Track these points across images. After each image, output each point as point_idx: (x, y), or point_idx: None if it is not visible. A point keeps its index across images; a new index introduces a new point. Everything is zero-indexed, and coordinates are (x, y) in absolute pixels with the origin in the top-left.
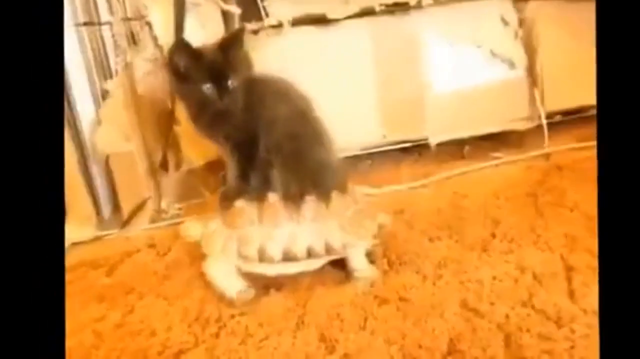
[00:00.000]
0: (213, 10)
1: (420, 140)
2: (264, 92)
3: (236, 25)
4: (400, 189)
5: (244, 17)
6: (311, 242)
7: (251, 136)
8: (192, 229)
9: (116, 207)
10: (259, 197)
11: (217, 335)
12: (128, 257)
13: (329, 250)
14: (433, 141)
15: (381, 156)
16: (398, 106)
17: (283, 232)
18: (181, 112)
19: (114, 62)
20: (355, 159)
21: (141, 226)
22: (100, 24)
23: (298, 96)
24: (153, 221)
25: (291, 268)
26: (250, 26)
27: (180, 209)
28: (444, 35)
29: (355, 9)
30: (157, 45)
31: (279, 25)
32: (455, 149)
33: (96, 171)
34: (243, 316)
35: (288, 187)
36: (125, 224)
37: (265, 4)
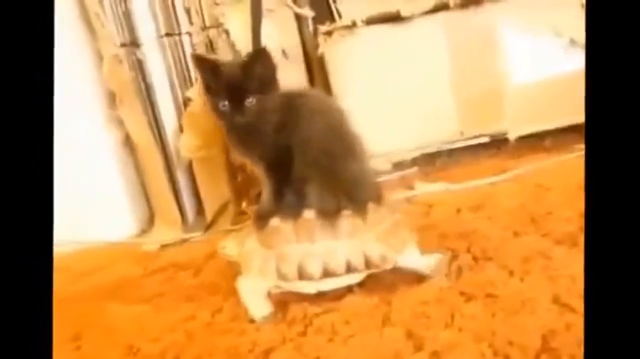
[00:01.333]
0: (287, 14)
1: (499, 134)
2: (298, 110)
3: (310, 27)
4: (480, 184)
5: (317, 19)
6: (349, 256)
7: (285, 154)
8: (229, 248)
9: (200, 210)
10: (294, 214)
11: (303, 333)
12: (212, 259)
13: (368, 263)
14: (512, 135)
15: (459, 152)
16: (475, 101)
17: (321, 249)
18: None
19: (194, 70)
20: (433, 155)
21: (223, 228)
22: (180, 34)
23: (333, 110)
24: (235, 223)
25: (331, 284)
26: (324, 28)
27: None
28: (521, 26)
29: (428, 4)
30: (235, 52)
31: (353, 26)
32: (535, 141)
33: (180, 176)
34: (328, 314)
35: (324, 203)
36: (208, 226)
37: (338, 5)
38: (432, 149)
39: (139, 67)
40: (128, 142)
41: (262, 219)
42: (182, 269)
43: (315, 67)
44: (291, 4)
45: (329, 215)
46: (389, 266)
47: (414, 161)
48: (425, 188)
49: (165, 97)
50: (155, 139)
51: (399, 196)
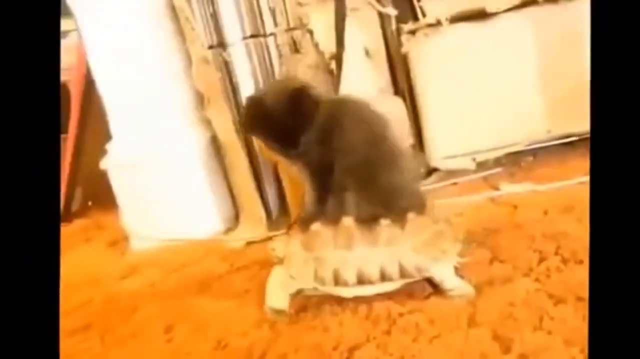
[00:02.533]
0: (370, 13)
1: (588, 133)
2: (340, 118)
3: (393, 27)
4: (568, 184)
5: (400, 18)
6: (384, 265)
7: (327, 161)
8: (278, 249)
9: (284, 208)
10: (335, 221)
11: (388, 332)
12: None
13: (402, 273)
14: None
15: (545, 151)
16: (563, 99)
17: (356, 256)
18: None
19: (279, 70)
20: (518, 155)
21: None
22: (265, 35)
23: (375, 119)
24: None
25: (367, 291)
26: (407, 27)
27: None
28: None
29: (515, 0)
30: (319, 52)
31: (437, 24)
32: None
33: (266, 175)
34: (413, 313)
35: (361, 211)
36: (292, 225)
37: (422, 3)
38: (517, 149)
39: (226, 68)
40: (215, 142)
41: (305, 223)
42: (266, 267)
43: (398, 67)
44: (374, 3)
45: (368, 222)
46: (425, 275)
47: (499, 161)
48: (510, 188)
49: None
50: (241, 138)
51: (482, 196)
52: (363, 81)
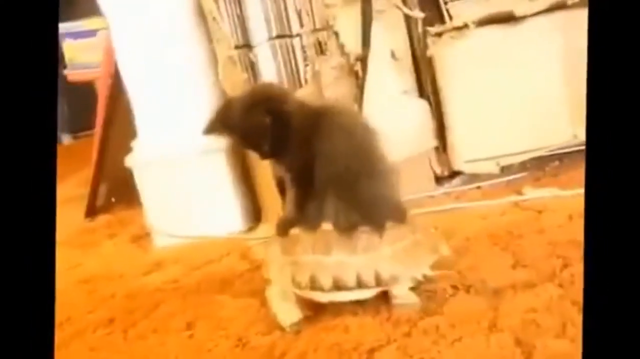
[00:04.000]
0: (397, 15)
1: None
2: (324, 127)
3: (419, 29)
4: None
5: (427, 21)
6: (360, 272)
7: (308, 167)
8: (258, 252)
9: None
10: (314, 226)
11: (408, 334)
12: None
13: (378, 281)
14: None
15: (571, 156)
16: None
17: (333, 262)
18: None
19: (304, 71)
20: (544, 159)
21: None
22: (291, 36)
23: (359, 129)
24: None
25: (343, 296)
26: (434, 29)
27: None
28: None
29: (544, 3)
30: (344, 54)
31: (463, 27)
32: None
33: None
34: (433, 316)
35: (339, 219)
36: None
37: (449, 6)
38: (543, 153)
39: (251, 68)
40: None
41: (284, 227)
42: None
43: (424, 69)
44: (401, 6)
45: (347, 230)
46: (402, 284)
47: (524, 165)
48: (534, 193)
49: None
50: None
51: (506, 200)
52: (388, 83)
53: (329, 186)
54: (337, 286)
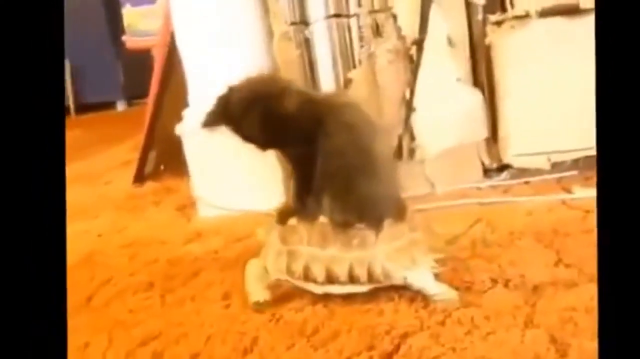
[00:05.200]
0: (457, 1)
1: None
2: (327, 122)
3: (479, 16)
4: None
5: (488, 8)
6: (353, 267)
7: (309, 160)
8: (260, 234)
9: None
10: (312, 218)
11: (442, 323)
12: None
13: (370, 277)
14: None
15: None
16: None
17: (327, 255)
18: (418, 100)
19: (358, 52)
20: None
21: None
22: (348, 16)
23: (363, 126)
24: None
25: (336, 290)
26: (494, 17)
27: (409, 198)
28: None
29: None
30: (400, 37)
31: (525, 16)
32: None
33: None
34: (469, 307)
35: (334, 216)
36: None
37: None
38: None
39: (306, 45)
40: None
41: (283, 216)
42: None
43: (480, 57)
44: None
45: (340, 225)
46: (395, 282)
47: (576, 163)
48: (584, 193)
49: (327, 77)
50: None
51: (554, 197)
52: (442, 69)
53: (326, 180)
54: (330, 279)
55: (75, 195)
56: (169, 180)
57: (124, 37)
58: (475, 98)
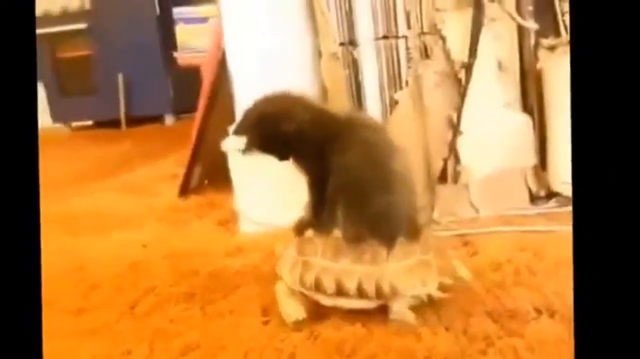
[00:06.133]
0: (509, 25)
1: None
2: (342, 139)
3: (531, 40)
4: None
5: (541, 33)
6: (362, 282)
7: (323, 175)
8: (278, 248)
9: None
10: (327, 231)
11: (484, 352)
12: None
13: (379, 293)
14: None
15: None
16: None
17: (338, 268)
18: (465, 123)
19: (406, 73)
20: None
21: None
22: (397, 37)
23: (378, 144)
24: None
25: (345, 303)
26: (547, 42)
27: (452, 221)
28: None
29: None
30: (449, 60)
31: None
32: None
33: None
34: (512, 337)
35: (346, 231)
36: None
37: (566, 18)
38: None
39: (353, 66)
40: None
41: (300, 228)
42: None
43: (531, 82)
44: (515, 15)
45: (351, 240)
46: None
47: None
48: None
49: (374, 97)
50: None
51: None
52: (491, 93)
53: (339, 195)
54: (340, 292)
55: (122, 205)
56: (213, 194)
57: (175, 54)
58: (524, 123)
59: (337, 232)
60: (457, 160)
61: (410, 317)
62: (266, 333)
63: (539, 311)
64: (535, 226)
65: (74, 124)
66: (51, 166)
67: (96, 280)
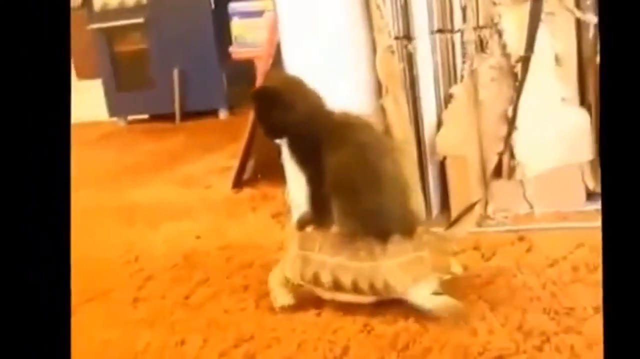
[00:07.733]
0: (567, 19)
1: None
2: (339, 137)
3: (590, 34)
4: None
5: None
6: (356, 278)
7: (319, 173)
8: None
9: (445, 206)
10: (326, 227)
11: (539, 348)
12: (452, 256)
13: (372, 289)
14: None
15: None
16: None
17: (334, 263)
18: (521, 118)
19: (461, 68)
20: None
21: (467, 229)
22: (453, 31)
23: (375, 144)
24: (479, 225)
25: (343, 297)
26: None
27: (506, 217)
28: None
29: None
30: (505, 54)
31: None
32: None
33: (431, 170)
34: (569, 334)
35: (342, 226)
36: (451, 224)
37: None
38: None
39: (408, 60)
40: (387, 133)
41: (301, 223)
42: None
43: (590, 77)
44: (574, 9)
45: (347, 236)
46: (394, 296)
47: None
48: None
49: (429, 92)
50: (413, 131)
51: None
52: (548, 88)
53: (332, 193)
54: (336, 287)
55: (176, 197)
56: (266, 187)
57: (230, 48)
58: (581, 119)
59: (334, 229)
60: (512, 155)
61: (432, 302)
62: (319, 325)
63: (596, 309)
64: (592, 222)
65: (130, 117)
66: (107, 159)
67: (151, 271)
